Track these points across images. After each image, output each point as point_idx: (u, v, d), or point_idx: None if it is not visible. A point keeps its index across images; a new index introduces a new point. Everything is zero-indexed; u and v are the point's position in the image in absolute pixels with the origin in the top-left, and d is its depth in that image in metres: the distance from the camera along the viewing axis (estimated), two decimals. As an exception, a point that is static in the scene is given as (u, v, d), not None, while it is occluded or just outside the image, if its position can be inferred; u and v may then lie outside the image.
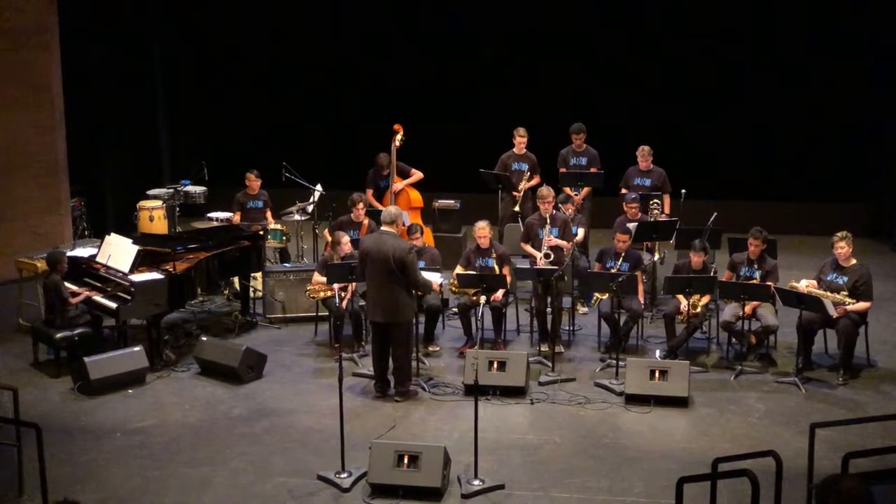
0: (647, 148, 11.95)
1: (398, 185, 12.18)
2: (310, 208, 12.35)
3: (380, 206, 11.87)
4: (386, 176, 12.23)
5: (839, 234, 9.52)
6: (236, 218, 12.18)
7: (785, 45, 14.15)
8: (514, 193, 12.06)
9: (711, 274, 10.01)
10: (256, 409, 8.94)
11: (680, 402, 8.86)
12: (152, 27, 15.23)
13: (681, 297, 9.89)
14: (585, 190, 12.12)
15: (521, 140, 12.19)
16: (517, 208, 11.93)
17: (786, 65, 14.18)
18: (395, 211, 9.14)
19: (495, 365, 9.14)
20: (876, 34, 13.75)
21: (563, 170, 12.21)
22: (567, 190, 11.88)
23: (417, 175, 12.30)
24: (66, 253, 10.26)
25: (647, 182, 11.88)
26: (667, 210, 11.71)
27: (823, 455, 7.24)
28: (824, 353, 9.98)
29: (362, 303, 9.81)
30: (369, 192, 12.20)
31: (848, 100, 14.05)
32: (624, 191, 11.91)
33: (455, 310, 10.61)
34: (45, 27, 12.50)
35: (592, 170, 12.15)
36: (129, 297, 9.60)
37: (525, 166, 12.18)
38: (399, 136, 12.10)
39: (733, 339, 9.95)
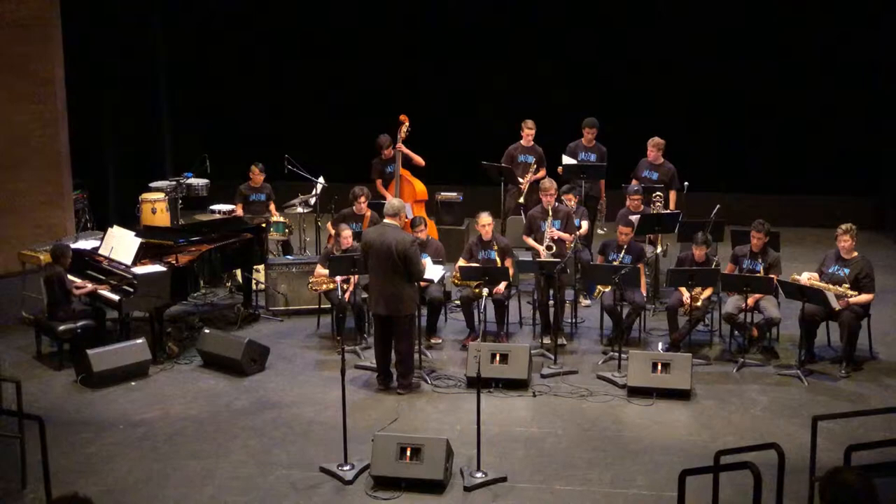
0: (657, 139, 11.83)
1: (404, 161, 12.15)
2: (312, 201, 12.35)
3: (386, 193, 11.89)
4: (387, 160, 12.19)
5: (843, 227, 9.50)
6: (238, 210, 12.17)
7: (787, 38, 14.12)
8: (520, 185, 12.03)
9: (714, 266, 10.00)
10: (259, 402, 8.95)
11: (682, 395, 8.87)
12: (155, 19, 15.21)
13: (683, 289, 9.89)
14: (602, 193, 12.10)
15: (528, 132, 12.14)
16: (522, 200, 11.89)
17: (789, 58, 14.15)
18: (397, 203, 9.14)
19: (498, 357, 9.14)
20: (878, 28, 13.73)
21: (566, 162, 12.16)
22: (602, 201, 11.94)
23: (418, 160, 12.25)
24: (71, 246, 10.27)
25: (655, 176, 11.80)
26: (672, 206, 11.65)
27: (826, 447, 7.24)
28: (827, 346, 9.99)
29: (365, 295, 9.81)
30: (378, 182, 12.18)
31: (851, 92, 14.03)
32: (634, 182, 11.85)
33: (457, 302, 10.61)
34: (47, 20, 12.48)
35: None
36: (131, 290, 9.61)
37: (531, 159, 12.13)
38: (405, 128, 12.08)
39: (736, 332, 9.95)
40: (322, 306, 10.71)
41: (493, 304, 10.03)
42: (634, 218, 10.84)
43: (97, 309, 9.94)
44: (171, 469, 7.71)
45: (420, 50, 15.06)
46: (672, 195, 11.73)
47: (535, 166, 12.08)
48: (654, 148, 11.83)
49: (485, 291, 9.76)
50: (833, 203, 13.72)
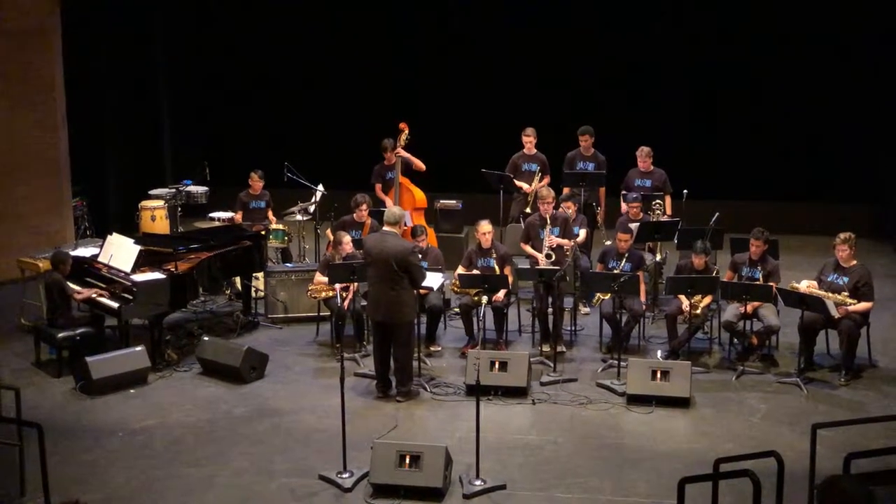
0: (646, 149, 11.92)
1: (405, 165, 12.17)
2: (311, 208, 12.35)
3: (385, 199, 11.89)
4: (389, 165, 12.19)
5: (841, 237, 9.50)
6: (238, 217, 12.19)
7: (788, 44, 14.14)
8: (526, 191, 12.02)
9: (714, 274, 10.00)
10: (258, 409, 8.95)
11: (681, 403, 8.86)
12: (155, 27, 15.23)
13: (682, 297, 9.88)
14: (602, 202, 12.13)
15: (529, 140, 12.14)
16: (528, 210, 11.86)
17: (789, 64, 14.17)
18: (398, 212, 9.15)
19: (497, 365, 9.14)
20: (880, 33, 13.75)
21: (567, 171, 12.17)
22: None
23: (419, 164, 12.25)
24: (70, 253, 10.27)
25: (648, 183, 11.86)
26: (668, 211, 11.69)
27: (825, 455, 7.23)
28: (826, 354, 9.98)
29: (364, 303, 9.82)
30: (378, 186, 12.18)
31: (852, 99, 14.04)
32: (624, 192, 11.93)
33: (457, 310, 10.61)
34: (47, 27, 12.51)
35: None
36: (131, 297, 9.61)
37: (535, 167, 12.14)
38: (404, 135, 12.09)
39: (735, 340, 9.94)
40: (321, 314, 10.71)
41: (492, 311, 10.04)
42: (634, 226, 10.85)
43: (96, 316, 9.93)
44: (170, 477, 7.70)
45: (420, 56, 15.07)
46: (667, 199, 11.77)
47: (539, 174, 12.09)
48: (647, 157, 11.87)
49: (484, 299, 9.77)
50: (833, 211, 13.69)
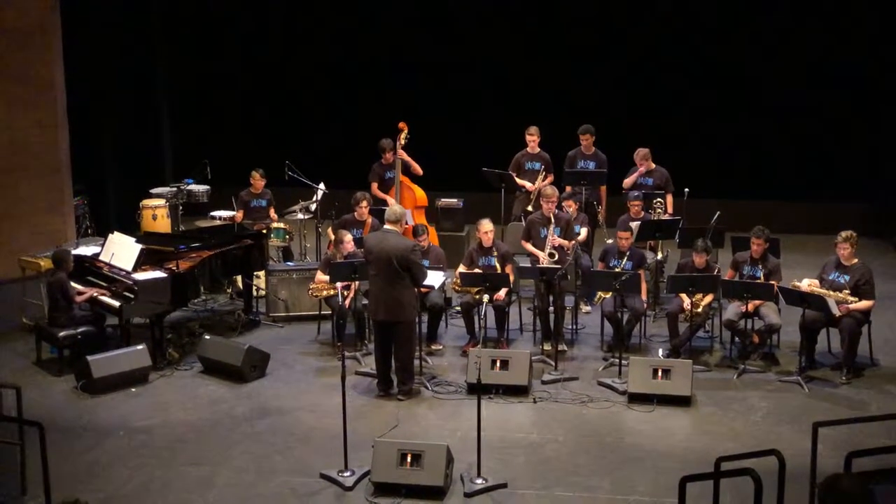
0: (642, 150, 11.91)
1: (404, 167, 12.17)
2: (313, 207, 12.35)
3: (385, 197, 11.90)
4: (388, 165, 12.19)
5: (843, 235, 9.49)
6: (239, 216, 12.19)
7: (787, 44, 14.14)
8: (529, 190, 12.02)
9: (715, 273, 10.00)
10: (259, 408, 8.95)
11: (683, 401, 8.86)
12: (155, 25, 15.23)
13: (684, 295, 9.88)
14: (603, 200, 12.12)
15: (532, 139, 12.14)
16: (531, 208, 11.87)
17: (788, 63, 14.17)
18: (399, 210, 9.15)
19: (498, 364, 9.13)
20: (878, 32, 13.75)
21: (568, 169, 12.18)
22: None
23: (417, 168, 12.25)
24: (72, 252, 10.27)
25: (650, 181, 11.88)
26: (670, 210, 11.70)
27: (826, 454, 7.23)
28: (827, 352, 9.98)
29: (365, 301, 9.82)
30: (374, 185, 12.19)
31: (851, 99, 14.04)
32: (626, 182, 11.92)
33: (458, 308, 10.62)
34: (47, 26, 12.51)
35: None
36: (132, 296, 9.61)
37: (539, 165, 12.15)
38: (404, 135, 12.09)
39: (736, 338, 9.94)
40: (322, 312, 10.70)
41: (493, 310, 10.03)
42: (634, 224, 10.86)
43: (98, 315, 9.93)
44: (171, 475, 7.70)
45: (420, 55, 15.06)
46: (669, 198, 11.78)
47: (543, 173, 12.09)
48: (644, 159, 11.89)
49: (485, 298, 9.77)
50: (833, 209, 13.68)
